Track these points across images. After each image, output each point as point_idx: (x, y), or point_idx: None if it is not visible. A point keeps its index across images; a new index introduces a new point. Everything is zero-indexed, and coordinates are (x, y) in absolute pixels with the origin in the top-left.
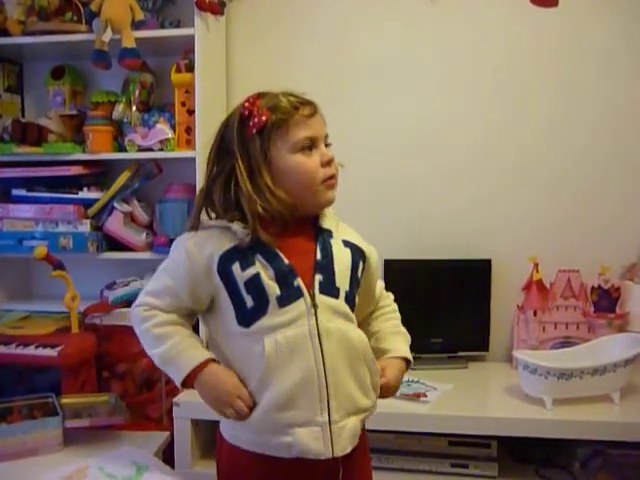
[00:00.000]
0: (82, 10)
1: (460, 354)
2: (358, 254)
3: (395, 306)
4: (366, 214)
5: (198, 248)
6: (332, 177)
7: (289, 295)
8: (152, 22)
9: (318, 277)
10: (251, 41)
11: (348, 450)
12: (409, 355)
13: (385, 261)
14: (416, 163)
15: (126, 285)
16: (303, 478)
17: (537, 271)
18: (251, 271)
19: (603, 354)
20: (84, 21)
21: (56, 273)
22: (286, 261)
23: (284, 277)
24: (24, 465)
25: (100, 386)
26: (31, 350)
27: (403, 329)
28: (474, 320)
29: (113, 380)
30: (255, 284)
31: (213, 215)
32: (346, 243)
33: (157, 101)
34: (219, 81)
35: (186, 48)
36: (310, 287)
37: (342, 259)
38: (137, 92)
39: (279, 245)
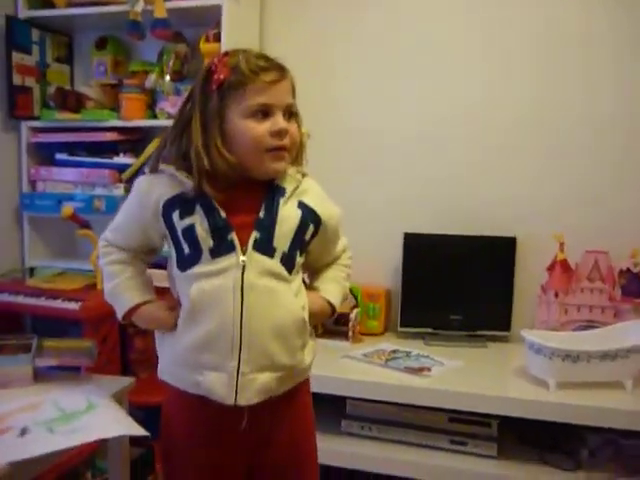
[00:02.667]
0: None
1: (480, 333)
2: (311, 217)
3: (349, 262)
4: (390, 185)
5: (148, 191)
6: (279, 148)
7: (221, 248)
8: None
9: (255, 234)
10: (287, 15)
11: (253, 402)
12: (335, 301)
13: (405, 235)
14: (442, 139)
15: None
16: (210, 418)
17: (562, 251)
18: (187, 221)
19: (620, 340)
20: None
21: (82, 232)
22: (223, 215)
23: (218, 230)
24: None
25: (124, 341)
26: (57, 303)
27: (345, 282)
28: (496, 299)
29: (137, 337)
30: (190, 234)
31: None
32: (300, 204)
33: (192, 71)
34: None
35: (218, 19)
36: (245, 243)
37: (288, 220)
38: (171, 62)
39: (223, 201)
